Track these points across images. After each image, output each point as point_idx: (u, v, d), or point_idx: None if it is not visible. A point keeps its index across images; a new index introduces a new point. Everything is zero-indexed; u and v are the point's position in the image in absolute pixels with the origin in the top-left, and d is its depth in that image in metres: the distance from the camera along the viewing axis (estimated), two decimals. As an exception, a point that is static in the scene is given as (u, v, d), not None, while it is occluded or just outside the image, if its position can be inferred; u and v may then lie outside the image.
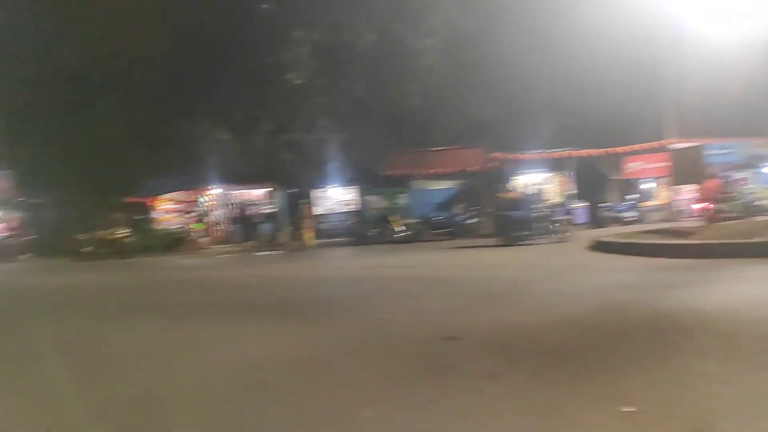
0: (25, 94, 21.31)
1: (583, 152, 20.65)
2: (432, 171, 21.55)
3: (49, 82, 21.96)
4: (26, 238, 19.76)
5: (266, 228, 20.85)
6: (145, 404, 3.39)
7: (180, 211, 21.72)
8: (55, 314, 6.93)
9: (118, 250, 17.31)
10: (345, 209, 21.35)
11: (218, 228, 21.46)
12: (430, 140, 21.03)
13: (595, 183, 20.74)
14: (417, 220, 18.58)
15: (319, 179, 21.36)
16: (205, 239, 20.08)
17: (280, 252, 16.92)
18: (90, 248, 17.56)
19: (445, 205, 20.11)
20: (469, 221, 18.30)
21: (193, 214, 21.56)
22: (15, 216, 21.44)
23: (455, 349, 4.16)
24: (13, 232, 19.96)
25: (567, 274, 8.41)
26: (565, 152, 20.75)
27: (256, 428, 2.91)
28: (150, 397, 3.51)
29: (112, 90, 21.71)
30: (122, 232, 17.77)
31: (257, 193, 21.99)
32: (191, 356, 4.47)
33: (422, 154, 21.56)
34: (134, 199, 21.12)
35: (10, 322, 6.72)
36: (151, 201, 21.24)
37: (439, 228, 18.33)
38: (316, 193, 21.37)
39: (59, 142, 23.89)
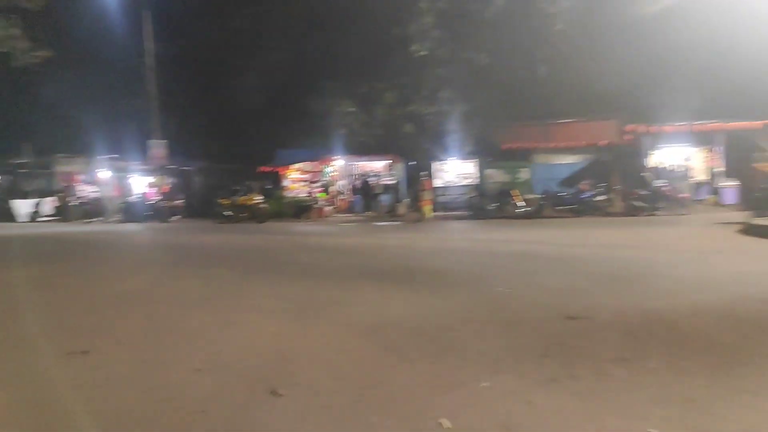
0: (176, 71, 23.61)
1: (737, 124, 18.36)
2: (557, 144, 20.54)
3: (197, 59, 24.14)
4: (176, 201, 22.15)
5: (386, 199, 21.34)
6: (279, 358, 3.71)
7: (307, 180, 22.96)
8: (208, 269, 7.76)
9: (254, 215, 18.80)
10: (464, 182, 21.14)
11: (341, 197, 22.38)
12: (557, 112, 19.96)
13: (749, 159, 18.39)
14: (539, 196, 17.87)
15: (439, 151, 21.32)
16: (329, 208, 21.06)
17: (398, 223, 17.27)
18: (230, 212, 19.27)
19: (571, 181, 19.09)
20: (597, 198, 17.24)
21: (318, 184, 22.68)
22: (168, 181, 24.11)
23: (580, 329, 4.02)
24: (166, 196, 22.44)
25: (710, 258, 7.66)
26: (713, 124, 18.61)
27: (380, 388, 3.06)
28: (283, 353, 3.83)
29: (252, 66, 23.31)
30: (257, 199, 19.23)
31: (379, 164, 22.52)
32: (319, 315, 4.79)
33: (547, 127, 20.59)
34: (267, 169, 22.68)
35: (170, 274, 7.65)
36: (282, 171, 22.65)
37: (563, 204, 17.50)
38: (435, 166, 21.37)
39: (206, 115, 26.38)
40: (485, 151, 21.36)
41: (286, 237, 13.12)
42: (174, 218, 20.89)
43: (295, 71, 22.04)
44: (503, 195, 17.84)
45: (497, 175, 20.77)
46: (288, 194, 22.13)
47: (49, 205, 22.55)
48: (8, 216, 21.50)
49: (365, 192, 21.57)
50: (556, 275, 6.50)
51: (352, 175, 22.72)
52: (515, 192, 17.60)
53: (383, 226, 16.17)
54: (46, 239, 13.81)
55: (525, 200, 17.34)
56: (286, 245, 11.25)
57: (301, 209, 20.43)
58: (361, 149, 22.13)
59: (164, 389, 3.12)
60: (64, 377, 3.36)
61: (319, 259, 8.65)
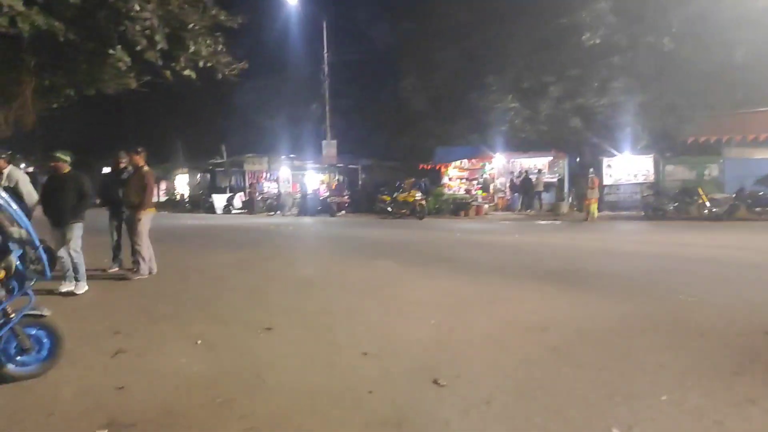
0: (347, 74, 25.32)
1: None
2: (755, 136, 17.77)
3: (366, 62, 25.60)
4: (343, 197, 23.71)
5: (548, 197, 20.45)
6: (440, 349, 3.81)
7: (466, 177, 22.95)
8: (374, 261, 8.22)
9: (414, 211, 19.34)
10: (638, 180, 19.33)
11: (500, 195, 21.97)
12: (754, 99, 17.27)
13: None
14: (732, 195, 15.64)
15: (608, 146, 19.78)
16: (487, 205, 20.81)
17: (561, 221, 16.45)
18: (391, 208, 20.08)
19: (773, 178, 16.36)
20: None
21: (477, 181, 22.55)
22: (336, 178, 25.94)
23: (784, 347, 3.49)
24: (334, 192, 24.13)
25: None
26: None
27: (544, 389, 2.99)
28: (444, 344, 3.92)
29: (417, 65, 24.01)
30: (417, 196, 19.74)
31: (540, 160, 21.65)
32: (480, 310, 4.80)
33: (741, 116, 17.91)
34: (428, 166, 23.16)
35: (341, 263, 8.26)
36: (442, 168, 22.94)
37: (763, 205, 15.09)
38: (604, 162, 19.87)
39: (373, 115, 27.88)
40: (664, 145, 19.31)
41: (445, 233, 13.28)
42: (341, 213, 22.36)
43: (459, 68, 22.10)
44: (686, 193, 15.97)
45: (679, 172, 18.62)
46: (447, 191, 22.35)
47: (239, 199, 25.72)
48: (210, 208, 24.98)
49: (526, 189, 20.86)
50: (753, 285, 5.68)
51: (512, 172, 22.15)
52: (701, 190, 15.66)
53: (545, 224, 15.53)
54: (239, 229, 15.76)
55: (713, 200, 15.34)
56: (445, 241, 11.40)
57: (460, 206, 20.48)
58: (522, 145, 21.47)
59: (337, 368, 3.41)
60: (255, 350, 3.85)
61: (479, 256, 8.63)
